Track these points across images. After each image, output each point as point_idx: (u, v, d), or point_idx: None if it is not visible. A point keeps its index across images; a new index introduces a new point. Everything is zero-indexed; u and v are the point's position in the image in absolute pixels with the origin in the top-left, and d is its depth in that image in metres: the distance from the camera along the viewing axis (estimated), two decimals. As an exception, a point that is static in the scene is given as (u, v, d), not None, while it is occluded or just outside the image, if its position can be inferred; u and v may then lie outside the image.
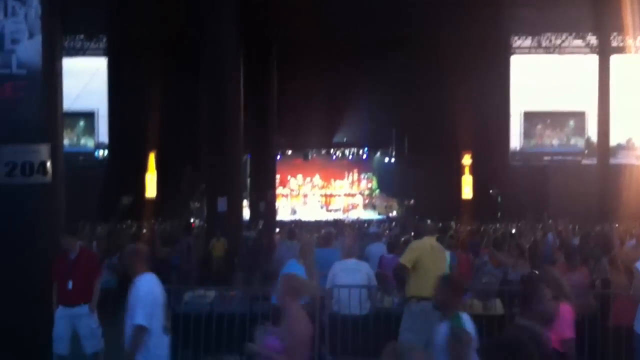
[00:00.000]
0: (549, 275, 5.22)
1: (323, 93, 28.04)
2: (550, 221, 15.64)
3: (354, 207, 34.22)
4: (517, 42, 30.73)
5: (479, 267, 9.04)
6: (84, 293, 7.63)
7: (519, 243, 10.46)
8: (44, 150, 7.40)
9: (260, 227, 22.52)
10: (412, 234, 12.61)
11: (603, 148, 26.11)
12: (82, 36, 29.77)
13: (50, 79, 7.62)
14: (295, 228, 17.13)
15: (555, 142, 32.11)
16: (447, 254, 8.74)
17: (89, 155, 31.85)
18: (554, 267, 9.93)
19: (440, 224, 18.40)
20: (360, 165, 35.14)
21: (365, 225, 24.76)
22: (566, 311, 5.26)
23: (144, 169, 25.20)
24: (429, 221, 15.02)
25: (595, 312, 9.34)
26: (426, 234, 8.61)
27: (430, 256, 7.81)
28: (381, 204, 34.10)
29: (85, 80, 27.41)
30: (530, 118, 32.02)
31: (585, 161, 30.29)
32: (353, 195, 34.66)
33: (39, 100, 7.41)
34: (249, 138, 20.95)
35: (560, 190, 24.30)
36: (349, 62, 27.56)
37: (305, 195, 34.20)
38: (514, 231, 16.41)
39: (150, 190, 25.16)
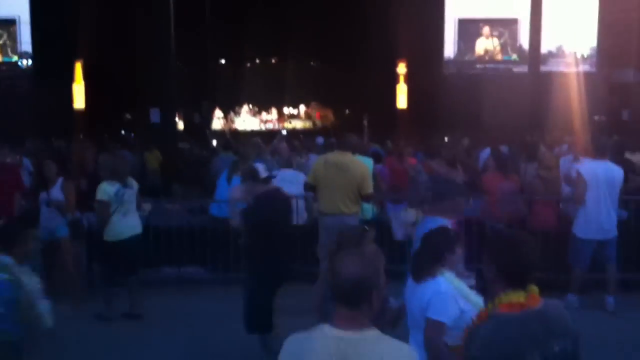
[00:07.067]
0: None
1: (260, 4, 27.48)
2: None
3: (290, 117, 34.02)
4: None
5: (414, 176, 9.22)
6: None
7: (443, 154, 10.58)
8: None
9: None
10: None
11: (534, 56, 26.43)
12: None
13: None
14: (231, 139, 17.03)
15: (488, 49, 32.30)
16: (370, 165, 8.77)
17: (13, 65, 30.41)
18: (487, 175, 10.23)
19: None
20: (296, 75, 34.69)
21: (301, 136, 24.73)
22: None
23: (71, 79, 24.20)
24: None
25: (524, 216, 9.77)
26: (335, 149, 8.68)
27: (323, 172, 7.91)
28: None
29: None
30: (464, 25, 32.01)
31: (516, 69, 30.65)
32: (288, 106, 34.33)
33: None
34: (183, 49, 20.27)
35: (492, 98, 24.58)
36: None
37: (240, 106, 33.71)
38: (446, 139, 16.62)
39: (79, 101, 24.27)
